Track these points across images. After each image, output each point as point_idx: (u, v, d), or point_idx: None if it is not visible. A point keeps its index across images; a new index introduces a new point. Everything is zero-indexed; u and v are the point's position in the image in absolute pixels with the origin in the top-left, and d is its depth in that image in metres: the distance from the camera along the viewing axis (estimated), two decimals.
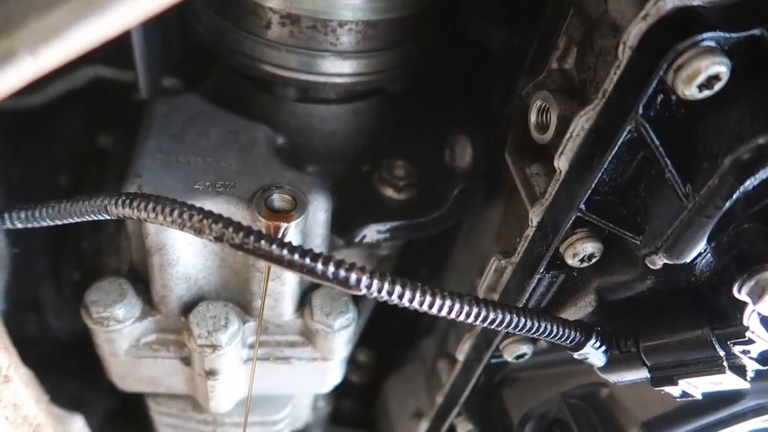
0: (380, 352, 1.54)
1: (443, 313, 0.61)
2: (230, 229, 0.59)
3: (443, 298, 0.61)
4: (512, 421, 0.98)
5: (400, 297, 0.59)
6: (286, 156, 0.98)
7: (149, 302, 0.89)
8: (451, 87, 1.07)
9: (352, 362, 1.54)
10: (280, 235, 0.77)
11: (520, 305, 0.80)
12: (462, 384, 1.00)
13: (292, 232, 0.78)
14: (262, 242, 0.58)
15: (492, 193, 1.00)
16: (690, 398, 0.69)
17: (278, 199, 0.80)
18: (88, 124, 1.21)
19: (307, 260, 0.58)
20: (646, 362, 0.70)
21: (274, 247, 0.58)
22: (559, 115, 0.69)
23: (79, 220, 0.69)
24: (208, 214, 0.60)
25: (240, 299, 0.90)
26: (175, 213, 0.60)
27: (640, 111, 0.56)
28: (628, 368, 0.72)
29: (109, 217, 0.66)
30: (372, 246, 1.06)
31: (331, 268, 0.58)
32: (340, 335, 0.92)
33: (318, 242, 0.88)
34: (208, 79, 1.10)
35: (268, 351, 0.94)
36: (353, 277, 0.58)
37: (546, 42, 0.82)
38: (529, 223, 0.75)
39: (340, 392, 1.52)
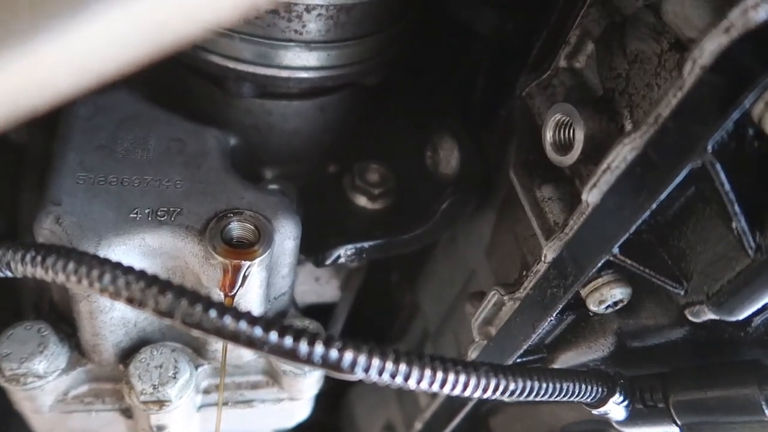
0: None
1: (457, 391, 0.49)
2: (183, 302, 0.44)
3: (456, 373, 0.49)
4: None
5: (419, 381, 0.47)
6: (240, 160, 0.82)
7: (77, 348, 0.73)
8: (433, 79, 0.93)
9: None
10: (240, 276, 0.63)
11: (525, 346, 0.69)
12: (447, 415, 0.90)
13: (255, 271, 0.64)
14: (227, 319, 0.44)
15: (482, 203, 0.88)
16: None
17: (237, 228, 0.65)
18: None
19: (303, 346, 0.44)
20: (677, 420, 0.61)
21: (243, 325, 0.44)
22: (586, 135, 0.57)
23: None
24: (152, 280, 0.45)
25: (191, 340, 0.76)
26: (106, 278, 0.45)
27: (709, 147, 0.44)
28: (653, 424, 0.63)
29: (13, 275, 0.50)
30: None
31: (319, 350, 0.45)
32: (312, 376, 0.79)
33: (285, 272, 0.74)
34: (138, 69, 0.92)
35: (227, 395, 0.80)
36: (349, 359, 0.45)
37: (555, 34, 0.70)
38: (543, 258, 0.63)
39: None
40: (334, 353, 0.45)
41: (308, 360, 0.45)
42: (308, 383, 0.80)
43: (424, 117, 0.92)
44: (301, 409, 0.88)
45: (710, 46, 0.42)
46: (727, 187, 0.45)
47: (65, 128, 0.70)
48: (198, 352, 0.76)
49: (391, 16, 0.78)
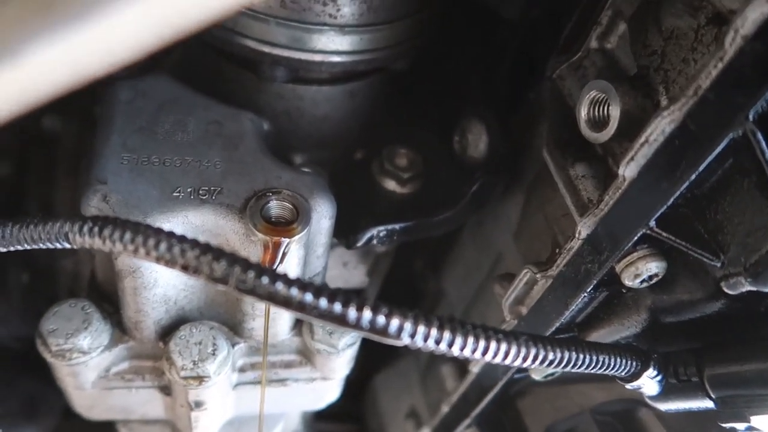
0: (368, 344, 1.44)
1: (498, 359, 0.51)
2: (236, 269, 0.46)
3: (498, 341, 0.50)
4: None
5: (462, 348, 0.48)
6: (272, 144, 0.84)
7: (119, 326, 0.75)
8: (460, 64, 0.94)
9: None
10: (281, 253, 0.64)
11: (557, 323, 0.70)
12: (475, 397, 0.91)
13: (294, 248, 0.66)
14: (279, 285, 0.45)
15: (510, 186, 0.89)
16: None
17: (276, 207, 0.67)
18: None
19: (337, 307, 0.46)
20: (711, 394, 0.61)
21: (309, 297, 0.45)
22: (622, 111, 0.57)
23: (28, 248, 0.54)
24: (206, 248, 0.46)
25: (228, 318, 0.77)
26: (162, 246, 0.47)
27: (751, 116, 0.45)
28: (687, 398, 0.64)
29: (70, 246, 0.52)
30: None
31: (368, 315, 0.46)
32: (345, 354, 0.80)
33: (320, 252, 0.75)
34: (173, 53, 0.94)
35: (261, 374, 0.82)
36: (396, 324, 0.46)
37: (586, 15, 0.70)
38: (577, 234, 0.64)
39: None
40: (381, 319, 0.46)
41: (357, 325, 0.46)
42: (340, 362, 0.82)
43: (452, 102, 0.93)
44: (332, 390, 0.89)
45: (753, 15, 0.43)
46: None
47: (107, 112, 0.72)
48: (234, 330, 0.78)
49: (421, 0, 0.80)
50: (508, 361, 0.51)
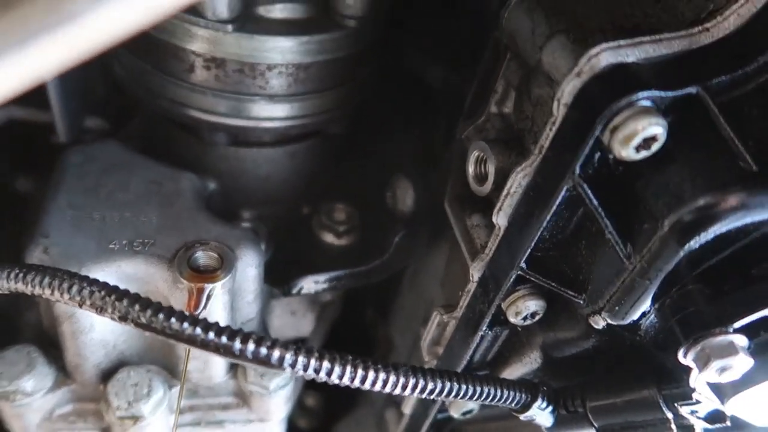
0: (329, 395, 1.48)
1: (377, 387, 0.56)
2: (136, 307, 0.52)
3: (376, 371, 0.56)
4: None
5: (329, 374, 0.54)
6: (219, 202, 0.92)
7: (63, 369, 0.81)
8: (393, 126, 1.04)
9: (300, 407, 1.48)
10: (204, 298, 0.71)
11: (465, 361, 0.76)
12: None
13: (218, 293, 0.72)
14: (172, 321, 0.52)
15: (436, 237, 0.96)
16: None
17: (203, 257, 0.74)
18: (7, 167, 1.13)
19: (224, 339, 0.52)
20: (594, 423, 0.66)
21: (186, 325, 0.52)
22: (496, 168, 0.65)
23: None
24: (111, 290, 0.53)
25: (166, 362, 0.83)
26: (74, 289, 0.54)
27: (577, 171, 0.53)
28: (576, 428, 0.69)
29: (1, 292, 0.59)
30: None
31: (251, 347, 0.52)
32: (277, 395, 0.85)
33: (250, 299, 0.82)
34: (133, 121, 1.03)
35: (199, 415, 0.87)
36: (275, 355, 0.53)
37: (485, 84, 0.79)
38: (471, 277, 0.71)
39: None
40: (263, 350, 0.52)
41: (241, 355, 0.52)
42: (275, 403, 0.87)
43: (386, 161, 1.01)
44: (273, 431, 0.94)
45: (568, 88, 0.52)
46: (596, 203, 0.53)
47: (58, 174, 0.80)
48: (172, 373, 0.83)
49: (348, 71, 0.89)
50: (387, 390, 0.57)
